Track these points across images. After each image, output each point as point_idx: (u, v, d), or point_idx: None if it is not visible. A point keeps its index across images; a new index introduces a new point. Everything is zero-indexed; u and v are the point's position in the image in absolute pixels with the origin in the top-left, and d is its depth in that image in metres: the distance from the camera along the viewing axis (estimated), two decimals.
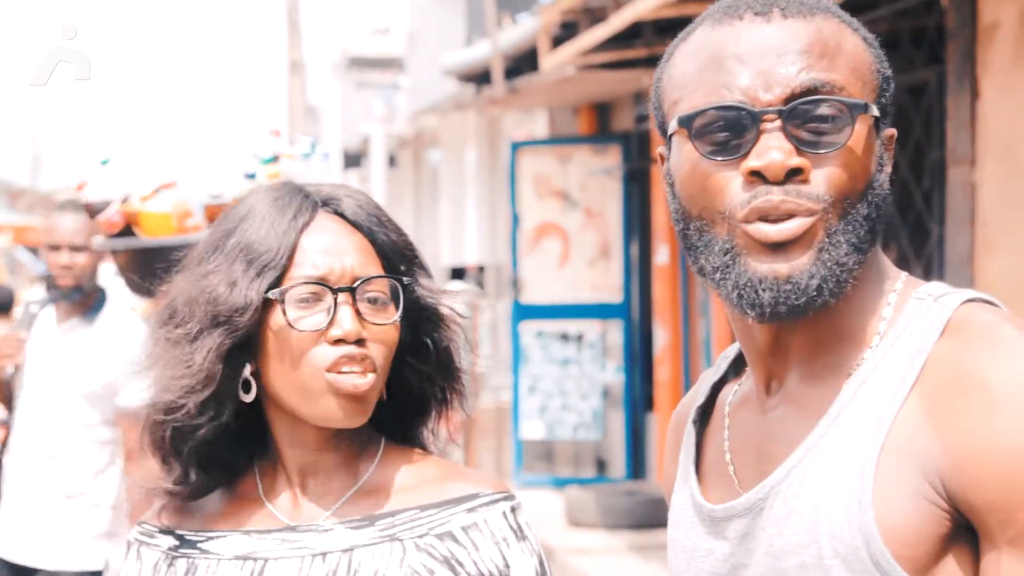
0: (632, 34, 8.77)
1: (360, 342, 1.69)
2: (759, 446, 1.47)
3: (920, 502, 1.33)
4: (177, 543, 1.79)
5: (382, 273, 1.75)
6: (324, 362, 1.69)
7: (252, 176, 3.27)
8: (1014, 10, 5.69)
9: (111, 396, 4.55)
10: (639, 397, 11.45)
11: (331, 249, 1.73)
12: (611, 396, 11.51)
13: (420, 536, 1.72)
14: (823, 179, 1.37)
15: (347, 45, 22.28)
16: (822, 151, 1.37)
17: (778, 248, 1.37)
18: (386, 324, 1.72)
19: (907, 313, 1.41)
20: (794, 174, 1.36)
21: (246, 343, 1.72)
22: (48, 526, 4.63)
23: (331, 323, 1.70)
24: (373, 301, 1.73)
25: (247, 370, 1.73)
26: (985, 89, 5.90)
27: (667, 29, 8.91)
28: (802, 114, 1.37)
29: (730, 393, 1.56)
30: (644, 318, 11.47)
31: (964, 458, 1.32)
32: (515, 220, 11.80)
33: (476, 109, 13.76)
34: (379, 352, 1.71)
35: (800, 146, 1.37)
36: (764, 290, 1.37)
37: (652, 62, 9.73)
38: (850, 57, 1.41)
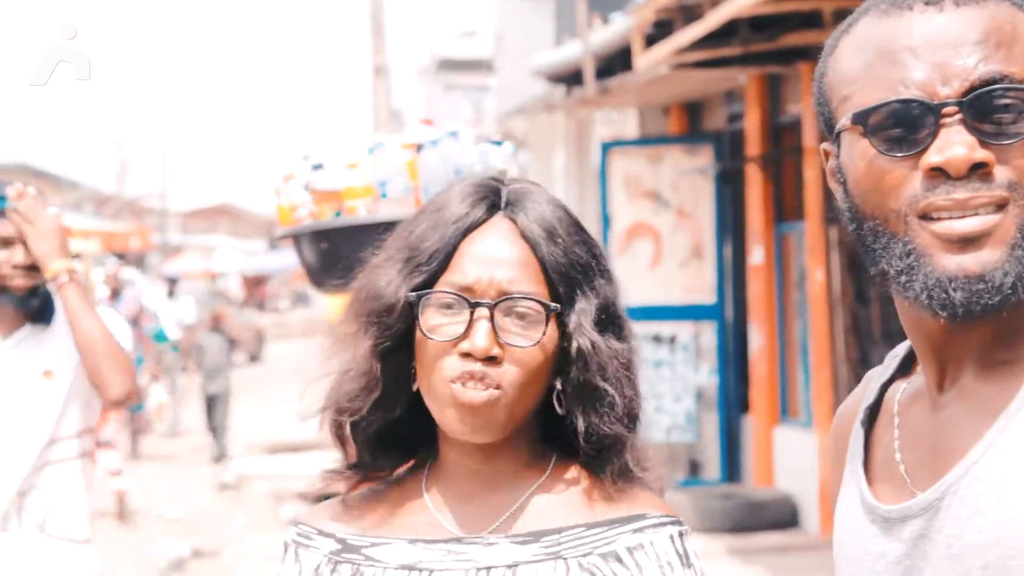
0: (727, 32, 8.68)
1: (492, 360, 1.65)
2: (933, 444, 1.41)
3: None
4: (339, 547, 1.75)
5: (537, 291, 1.68)
6: (450, 372, 1.66)
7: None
8: None
9: (88, 399, 3.92)
10: (734, 399, 11.35)
11: (487, 258, 1.68)
12: (705, 398, 11.42)
13: (584, 555, 1.67)
14: (1010, 172, 1.32)
15: (434, 47, 22.34)
16: (1007, 142, 1.32)
17: (967, 244, 1.32)
18: (525, 347, 1.66)
19: None
20: (977, 168, 1.32)
21: (410, 340, 1.70)
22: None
23: (465, 335, 1.66)
24: (522, 317, 1.67)
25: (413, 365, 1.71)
26: None
27: (763, 26, 8.82)
28: (983, 106, 1.32)
29: (898, 391, 1.50)
30: (738, 319, 11.36)
31: None
32: (606, 221, 11.74)
33: (564, 110, 13.73)
34: (513, 373, 1.66)
35: (983, 138, 1.33)
36: (955, 289, 1.32)
37: (747, 60, 9.65)
38: None
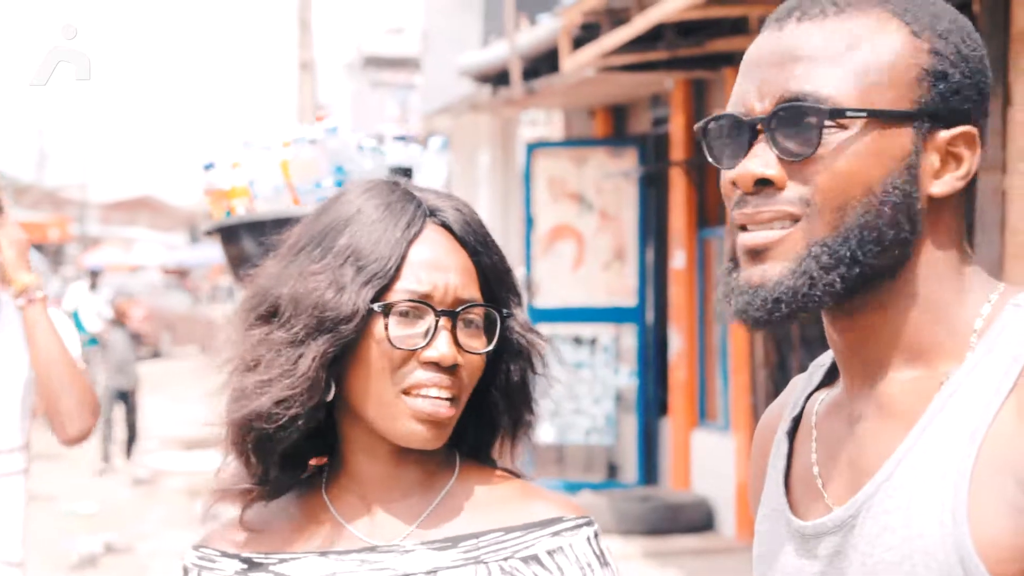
0: (654, 36, 8.71)
1: (452, 368, 1.66)
2: (849, 457, 1.41)
3: (1018, 517, 1.28)
4: (245, 567, 1.71)
5: (480, 296, 1.70)
6: (410, 382, 1.65)
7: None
8: None
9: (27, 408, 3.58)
10: (652, 402, 11.39)
11: (437, 264, 1.68)
12: (624, 401, 11.45)
13: (505, 559, 1.67)
14: (803, 188, 1.35)
15: (362, 44, 22.25)
16: (797, 159, 1.35)
17: (753, 257, 1.36)
18: (480, 353, 1.68)
19: (1002, 321, 1.35)
20: (764, 184, 1.36)
21: (343, 350, 1.67)
22: None
23: (428, 344, 1.65)
24: (468, 324, 1.68)
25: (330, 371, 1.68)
26: (1017, 95, 5.83)
27: (690, 31, 8.85)
28: (783, 122, 1.36)
29: (817, 401, 1.50)
30: (659, 322, 11.41)
31: None
32: (529, 222, 11.75)
33: (490, 111, 13.72)
34: (466, 382, 1.68)
35: (782, 155, 1.36)
36: (737, 296, 1.37)
37: (673, 65, 9.68)
38: (869, 58, 1.36)
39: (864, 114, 1.35)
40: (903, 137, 1.36)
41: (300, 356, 1.64)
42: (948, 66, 1.37)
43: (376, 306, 1.64)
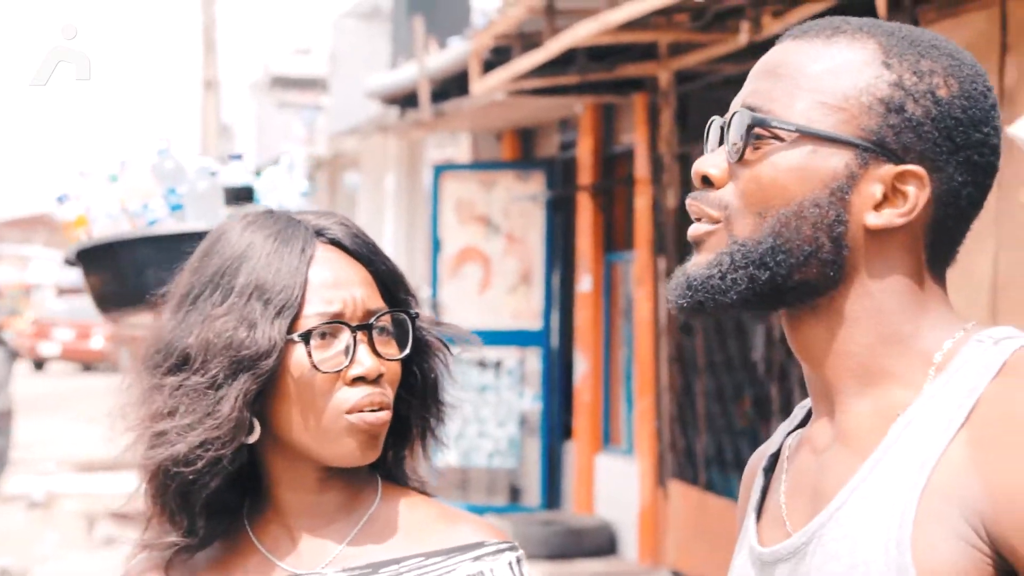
0: (565, 60, 8.74)
1: (378, 379, 1.66)
2: (812, 486, 1.42)
3: (960, 545, 1.28)
4: None
5: (384, 304, 1.71)
6: (345, 404, 1.64)
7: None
8: None
9: None
10: (556, 425, 11.40)
11: (339, 282, 1.68)
12: (528, 424, 11.44)
13: None
14: (731, 190, 1.41)
15: (269, 64, 22.12)
16: (732, 161, 1.42)
17: (694, 246, 1.43)
18: (397, 359, 1.69)
19: (963, 355, 1.36)
20: (706, 183, 1.43)
21: (263, 386, 1.65)
22: None
23: (351, 362, 1.65)
24: (381, 332, 1.68)
25: (249, 409, 1.65)
26: None
27: (600, 56, 8.90)
28: (730, 129, 1.42)
29: (793, 436, 1.52)
30: (564, 346, 11.43)
31: (1007, 498, 1.26)
32: (436, 245, 11.73)
33: (398, 133, 13.69)
34: (391, 388, 1.69)
35: (729, 156, 1.42)
36: (670, 281, 1.45)
37: (584, 89, 9.73)
38: (827, 80, 1.39)
39: (792, 129, 1.37)
40: (836, 160, 1.36)
41: (222, 398, 1.62)
42: (910, 101, 1.37)
43: (295, 336, 1.64)
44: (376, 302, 1.69)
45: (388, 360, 1.67)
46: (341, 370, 1.64)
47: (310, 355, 1.63)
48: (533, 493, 11.43)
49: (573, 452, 10.97)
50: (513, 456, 11.40)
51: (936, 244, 1.40)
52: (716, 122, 1.45)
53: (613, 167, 10.71)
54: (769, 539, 1.45)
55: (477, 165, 12.45)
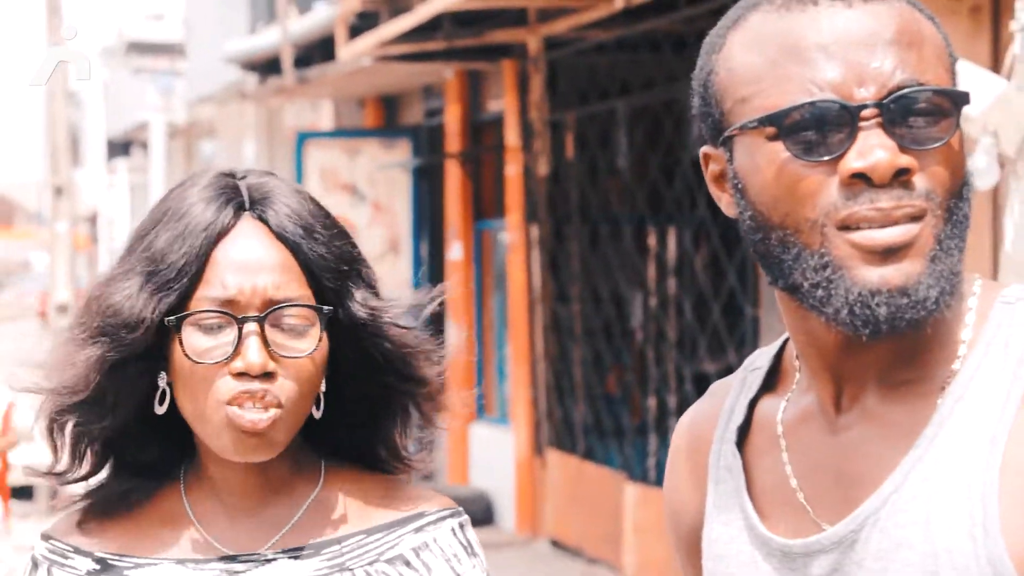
0: (433, 26, 8.61)
1: (268, 376, 1.55)
2: (836, 470, 1.32)
3: None
4: (98, 567, 1.63)
5: (302, 295, 1.58)
6: (224, 395, 1.55)
7: None
8: None
9: None
10: None
11: (245, 266, 1.57)
12: None
13: (370, 563, 1.61)
14: (928, 179, 1.25)
15: (123, 29, 21.61)
16: (925, 147, 1.25)
17: (888, 255, 1.24)
18: (300, 357, 1.56)
19: (995, 319, 1.29)
20: (900, 174, 1.24)
21: (156, 354, 1.57)
22: None
23: (236, 354, 1.54)
24: (290, 329, 1.57)
25: (163, 380, 1.59)
26: None
27: (469, 22, 8.78)
28: (902, 109, 1.25)
29: (778, 410, 1.40)
30: (435, 315, 11.33)
31: None
32: None
33: (259, 99, 13.44)
34: (290, 387, 1.56)
35: (902, 143, 1.24)
36: (879, 305, 1.24)
37: (452, 55, 9.60)
38: (933, 44, 1.29)
39: (963, 100, 1.27)
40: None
41: (78, 355, 1.58)
42: (955, 57, 1.33)
43: (168, 320, 1.55)
44: (285, 292, 1.57)
45: (286, 357, 1.55)
46: (220, 362, 1.54)
47: (181, 343, 1.55)
48: None
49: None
50: None
51: None
52: (833, 108, 1.24)
53: (482, 134, 10.61)
54: (788, 529, 1.34)
55: (341, 132, 12.28)
